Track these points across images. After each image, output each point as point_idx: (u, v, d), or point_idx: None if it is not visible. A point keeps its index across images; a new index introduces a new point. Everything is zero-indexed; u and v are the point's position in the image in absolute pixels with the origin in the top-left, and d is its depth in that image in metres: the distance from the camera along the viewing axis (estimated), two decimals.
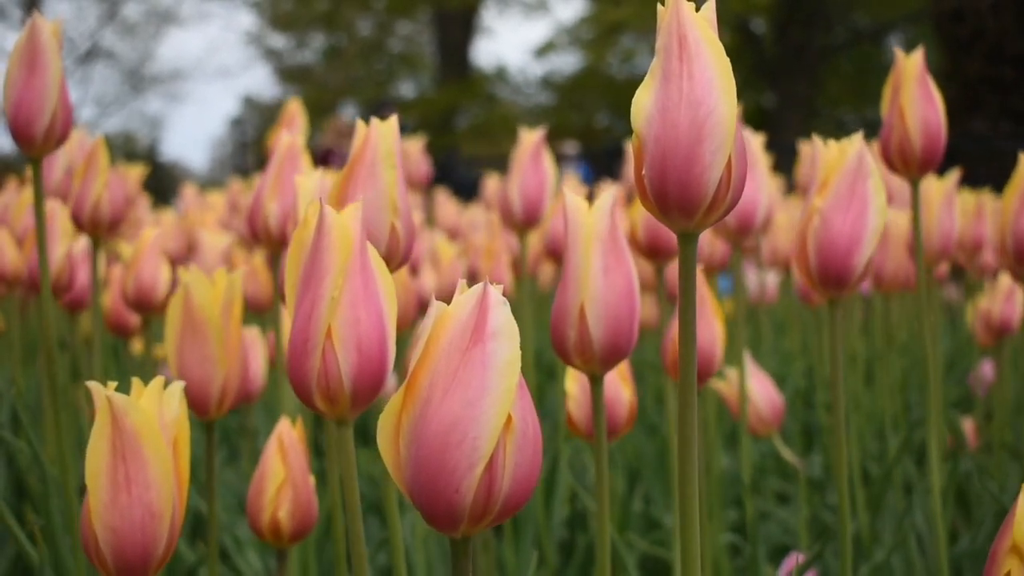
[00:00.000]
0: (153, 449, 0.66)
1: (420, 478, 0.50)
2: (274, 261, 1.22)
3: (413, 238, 0.87)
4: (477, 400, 0.49)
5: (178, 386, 0.69)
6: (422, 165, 3.27)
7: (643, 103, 0.58)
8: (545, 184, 1.56)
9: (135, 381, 0.68)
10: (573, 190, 0.82)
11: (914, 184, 1.13)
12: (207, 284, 0.91)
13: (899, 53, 1.11)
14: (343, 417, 0.65)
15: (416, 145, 3.26)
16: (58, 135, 1.07)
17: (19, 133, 1.05)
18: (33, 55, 1.05)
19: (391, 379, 1.57)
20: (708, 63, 0.57)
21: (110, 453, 0.65)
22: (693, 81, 0.57)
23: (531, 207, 1.56)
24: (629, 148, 1.72)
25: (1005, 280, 1.89)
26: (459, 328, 0.50)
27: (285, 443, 0.94)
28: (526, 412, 0.51)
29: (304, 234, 0.67)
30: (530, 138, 1.58)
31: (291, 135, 1.24)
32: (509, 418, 0.50)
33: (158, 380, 0.68)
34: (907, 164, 1.11)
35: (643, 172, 0.58)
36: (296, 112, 2.17)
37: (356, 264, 0.64)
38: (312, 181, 0.94)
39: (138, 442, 0.65)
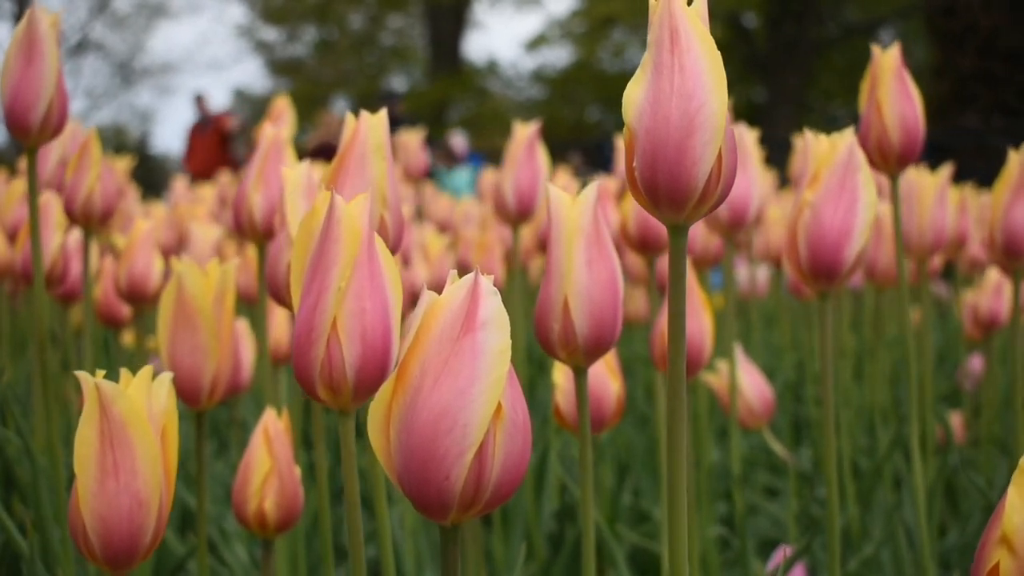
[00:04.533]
0: (141, 437, 0.66)
1: (410, 465, 0.50)
2: (260, 253, 1.22)
3: (403, 230, 0.87)
4: (467, 388, 0.50)
5: (167, 376, 0.69)
6: (420, 158, 3.26)
7: (634, 96, 0.58)
8: (539, 177, 1.57)
9: (123, 371, 0.68)
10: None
11: (893, 179, 1.13)
12: (200, 275, 0.91)
13: (876, 49, 1.11)
14: (345, 407, 0.65)
15: (414, 138, 3.26)
16: (54, 126, 1.07)
17: (15, 123, 1.06)
18: (31, 45, 1.05)
19: None
20: (699, 56, 0.57)
21: (98, 440, 0.66)
22: (684, 74, 0.57)
23: (525, 200, 1.56)
24: (620, 142, 1.72)
25: (993, 275, 1.90)
26: (450, 317, 0.50)
27: (271, 434, 0.94)
28: (516, 401, 0.51)
29: (312, 223, 0.67)
30: (524, 132, 1.58)
31: (275, 128, 1.24)
32: (499, 406, 0.50)
33: (146, 369, 0.68)
34: (885, 159, 1.11)
35: (634, 164, 0.58)
36: (284, 107, 2.17)
37: (364, 255, 0.64)
38: (298, 173, 0.93)
39: (126, 429, 0.65)
